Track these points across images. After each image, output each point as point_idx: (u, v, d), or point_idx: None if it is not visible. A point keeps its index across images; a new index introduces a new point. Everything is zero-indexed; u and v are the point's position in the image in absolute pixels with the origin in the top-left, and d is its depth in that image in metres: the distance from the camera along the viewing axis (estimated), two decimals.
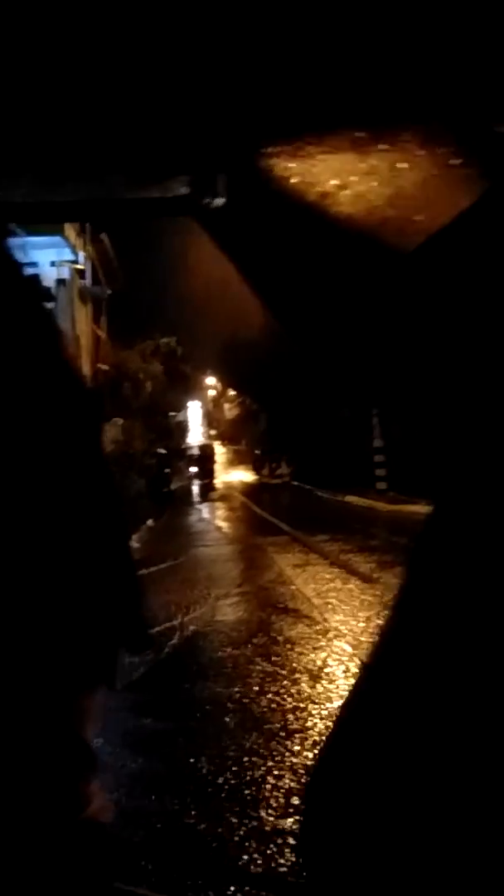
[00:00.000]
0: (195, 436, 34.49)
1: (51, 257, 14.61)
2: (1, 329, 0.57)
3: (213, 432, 43.17)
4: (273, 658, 5.39)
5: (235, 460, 36.56)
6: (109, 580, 0.62)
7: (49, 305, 13.84)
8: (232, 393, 44.03)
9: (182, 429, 32.02)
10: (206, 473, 26.92)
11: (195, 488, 24.30)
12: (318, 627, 6.07)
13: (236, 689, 4.79)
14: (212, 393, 47.05)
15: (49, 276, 14.20)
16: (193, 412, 36.72)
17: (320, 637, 5.80)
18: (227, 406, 46.61)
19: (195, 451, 28.72)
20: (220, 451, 37.87)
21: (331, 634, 5.84)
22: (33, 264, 14.43)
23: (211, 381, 45.10)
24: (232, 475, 30.34)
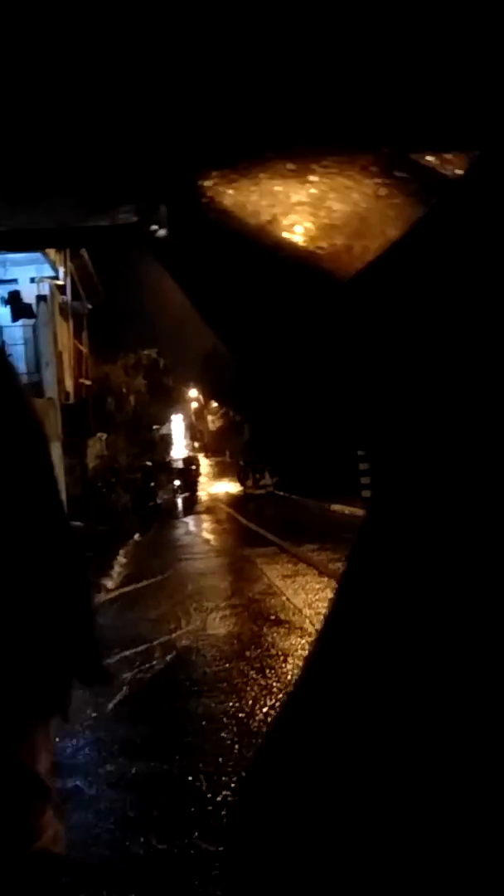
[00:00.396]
0: (179, 448, 34.43)
1: (30, 273, 14.54)
2: None
3: (196, 444, 43.11)
4: (267, 671, 5.37)
5: (220, 472, 36.51)
6: (61, 609, 0.62)
7: (30, 322, 13.78)
8: (215, 405, 44.06)
9: (166, 442, 31.92)
10: (191, 486, 26.86)
11: (180, 501, 24.24)
12: (310, 638, 6.06)
13: (232, 704, 4.77)
14: (195, 405, 47.04)
15: (29, 293, 14.13)
16: (176, 425, 36.68)
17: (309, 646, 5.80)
18: (210, 418, 46.60)
19: (179, 464, 28.66)
20: (205, 463, 37.80)
21: None
22: (12, 281, 14.38)
23: (193, 393, 45.11)
24: (217, 487, 30.27)
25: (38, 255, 13.95)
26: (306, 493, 19.75)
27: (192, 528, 17.72)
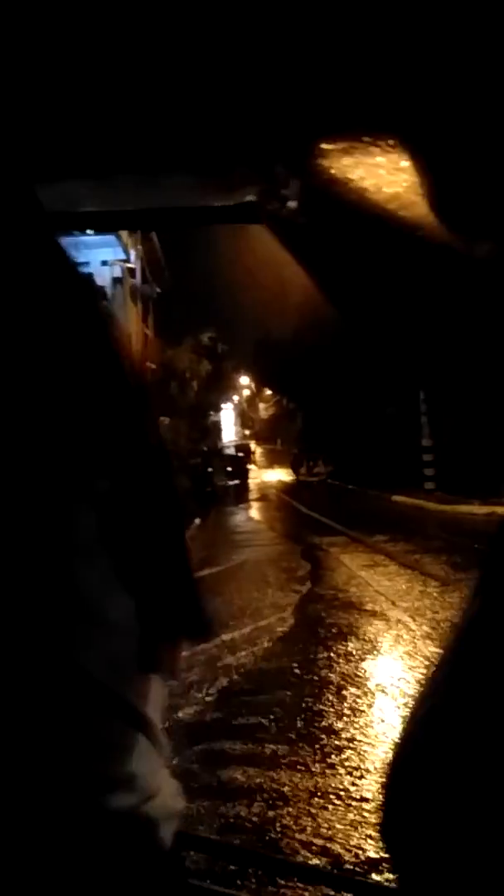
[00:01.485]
0: (231, 435, 34.52)
1: (102, 256, 14.58)
2: (58, 326, 0.59)
3: (247, 432, 43.16)
4: (369, 661, 5.25)
5: (271, 460, 36.49)
6: (166, 568, 0.63)
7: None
8: (268, 392, 43.95)
9: (218, 428, 32.01)
10: (244, 473, 26.90)
11: (235, 488, 24.28)
12: (411, 634, 5.89)
13: (348, 699, 4.66)
14: (246, 392, 47.02)
15: (101, 275, 14.18)
16: (227, 412, 36.75)
17: (417, 642, 5.64)
18: (262, 406, 46.56)
19: (232, 451, 28.72)
20: (256, 451, 37.81)
21: (427, 641, 5.67)
22: (85, 263, 14.46)
23: (244, 380, 45.09)
24: (269, 475, 30.25)
25: (110, 237, 13.99)
26: (362, 482, 19.50)
27: (250, 514, 17.69)
